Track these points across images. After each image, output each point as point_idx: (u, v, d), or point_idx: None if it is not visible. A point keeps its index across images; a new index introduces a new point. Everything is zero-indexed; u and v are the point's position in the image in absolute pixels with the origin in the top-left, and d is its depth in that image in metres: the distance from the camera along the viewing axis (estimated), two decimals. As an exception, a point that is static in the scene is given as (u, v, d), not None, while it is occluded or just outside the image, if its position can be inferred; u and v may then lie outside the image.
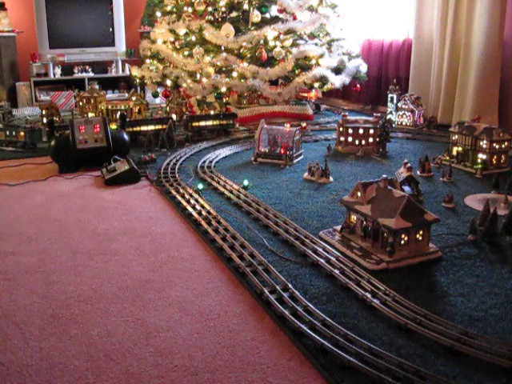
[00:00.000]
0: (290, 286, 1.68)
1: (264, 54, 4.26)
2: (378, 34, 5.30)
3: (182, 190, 2.71)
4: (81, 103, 4.76)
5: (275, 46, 4.33)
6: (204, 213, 2.38)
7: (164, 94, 5.06)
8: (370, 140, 3.45)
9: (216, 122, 4.04)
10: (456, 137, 3.13)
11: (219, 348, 1.40)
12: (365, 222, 1.97)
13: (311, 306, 1.56)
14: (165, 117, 4.13)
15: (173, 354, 1.38)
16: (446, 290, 1.67)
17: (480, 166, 2.95)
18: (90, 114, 4.65)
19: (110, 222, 2.35)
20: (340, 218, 2.28)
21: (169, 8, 4.92)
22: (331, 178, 2.89)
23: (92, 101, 4.71)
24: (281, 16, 4.52)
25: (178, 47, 4.77)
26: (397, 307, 1.54)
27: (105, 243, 2.12)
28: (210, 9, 4.60)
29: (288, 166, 3.20)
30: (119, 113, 4.14)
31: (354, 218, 2.05)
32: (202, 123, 4.01)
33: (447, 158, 3.18)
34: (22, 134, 3.75)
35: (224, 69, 4.40)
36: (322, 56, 4.41)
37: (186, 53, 4.62)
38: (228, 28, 4.30)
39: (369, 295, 1.61)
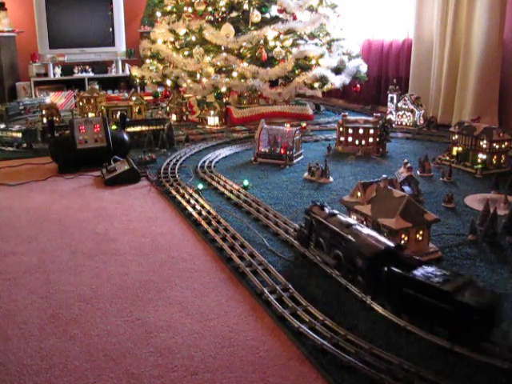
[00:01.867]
0: (289, 286, 1.68)
1: (264, 53, 4.26)
2: (378, 34, 5.30)
3: (181, 190, 2.71)
4: (81, 103, 4.77)
5: (275, 46, 4.33)
6: (204, 213, 2.38)
7: (164, 94, 5.07)
8: (370, 140, 3.45)
9: (146, 128, 3.78)
10: (456, 137, 3.13)
11: (219, 348, 1.40)
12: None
13: (311, 306, 1.56)
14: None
15: (173, 354, 1.38)
16: (445, 290, 1.67)
17: (480, 166, 2.95)
18: (90, 114, 4.65)
19: (110, 222, 2.35)
20: (340, 218, 2.28)
21: (169, 8, 4.92)
22: (331, 178, 2.89)
23: (92, 101, 4.71)
24: (281, 16, 4.52)
25: (178, 47, 4.78)
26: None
27: (105, 243, 2.12)
28: (210, 9, 4.60)
29: (288, 166, 3.20)
30: (119, 113, 4.14)
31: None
32: (130, 129, 3.70)
33: (447, 157, 3.18)
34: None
35: (224, 69, 4.40)
36: (322, 56, 4.41)
37: (186, 53, 4.62)
38: (228, 28, 4.30)
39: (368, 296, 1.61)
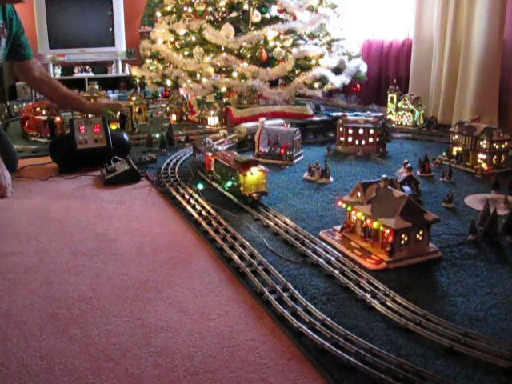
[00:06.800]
0: (289, 286, 1.68)
1: (264, 54, 4.26)
2: (378, 34, 5.31)
3: (181, 190, 2.71)
4: (81, 103, 4.75)
5: (275, 46, 4.33)
6: (204, 213, 2.38)
7: (164, 94, 5.07)
8: (370, 140, 3.44)
9: None
10: (456, 137, 3.13)
11: (219, 348, 1.40)
12: (364, 223, 1.97)
13: (311, 306, 1.56)
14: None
15: (173, 354, 1.38)
16: (445, 290, 1.67)
17: (484, 165, 2.94)
18: (90, 115, 4.64)
19: (110, 222, 2.35)
20: (340, 218, 2.28)
21: (169, 8, 4.92)
22: (331, 178, 2.89)
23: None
24: (281, 16, 4.52)
25: (178, 47, 4.77)
26: (396, 307, 1.54)
27: (105, 243, 2.12)
28: (210, 9, 4.60)
29: (288, 166, 3.20)
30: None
31: (354, 218, 2.05)
32: None
33: (447, 157, 3.18)
34: None
35: (224, 69, 4.40)
36: (322, 56, 4.40)
37: (186, 53, 4.62)
38: (228, 28, 4.29)
39: (368, 295, 1.61)
